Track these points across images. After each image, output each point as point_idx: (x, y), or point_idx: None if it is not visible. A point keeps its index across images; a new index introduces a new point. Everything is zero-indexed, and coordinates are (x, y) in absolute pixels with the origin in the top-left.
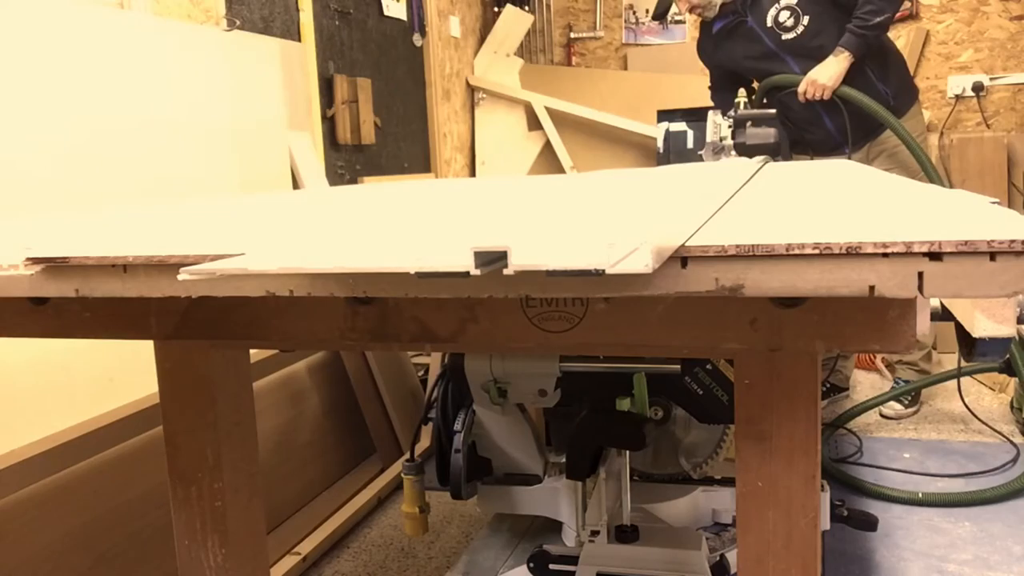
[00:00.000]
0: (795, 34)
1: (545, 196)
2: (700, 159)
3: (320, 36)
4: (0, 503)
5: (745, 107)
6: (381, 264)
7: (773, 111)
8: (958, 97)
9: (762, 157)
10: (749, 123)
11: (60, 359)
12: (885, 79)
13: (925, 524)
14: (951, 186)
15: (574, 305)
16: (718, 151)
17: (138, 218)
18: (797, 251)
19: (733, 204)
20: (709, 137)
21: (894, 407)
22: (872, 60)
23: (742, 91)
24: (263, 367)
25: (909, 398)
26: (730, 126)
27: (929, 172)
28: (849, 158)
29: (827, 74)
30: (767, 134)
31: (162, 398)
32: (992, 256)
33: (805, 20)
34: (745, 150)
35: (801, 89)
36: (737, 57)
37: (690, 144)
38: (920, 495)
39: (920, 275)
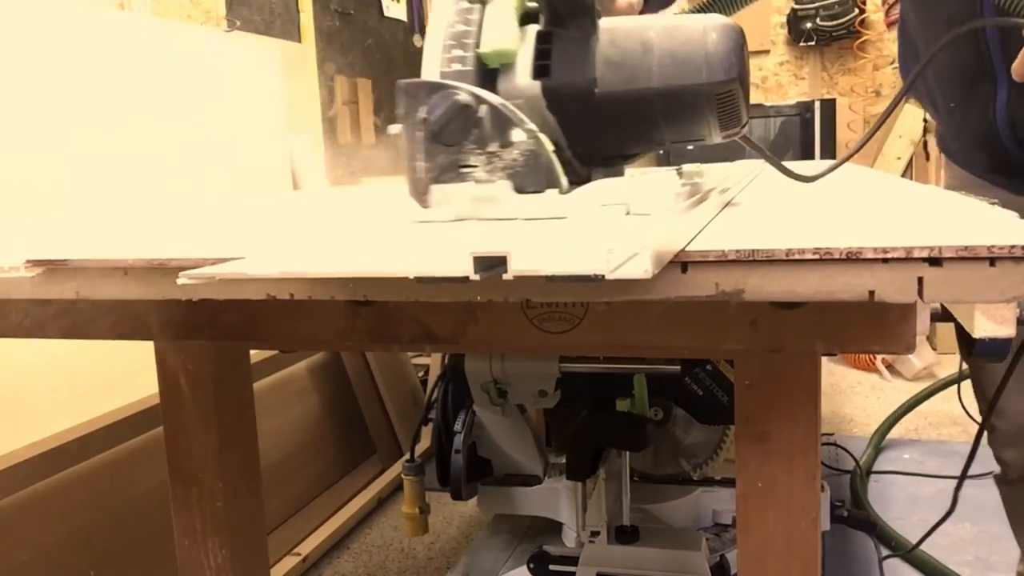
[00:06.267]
0: None
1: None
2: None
3: (320, 37)
4: (0, 503)
5: None
6: (380, 269)
7: None
8: None
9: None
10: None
11: (60, 359)
12: None
13: (925, 525)
14: None
15: (574, 306)
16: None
17: (138, 220)
18: (797, 256)
19: (733, 208)
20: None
21: None
22: None
23: None
24: (263, 367)
25: None
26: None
27: None
28: None
29: None
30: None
31: (162, 398)
32: (992, 261)
33: None
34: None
35: None
36: None
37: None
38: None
39: (920, 280)
